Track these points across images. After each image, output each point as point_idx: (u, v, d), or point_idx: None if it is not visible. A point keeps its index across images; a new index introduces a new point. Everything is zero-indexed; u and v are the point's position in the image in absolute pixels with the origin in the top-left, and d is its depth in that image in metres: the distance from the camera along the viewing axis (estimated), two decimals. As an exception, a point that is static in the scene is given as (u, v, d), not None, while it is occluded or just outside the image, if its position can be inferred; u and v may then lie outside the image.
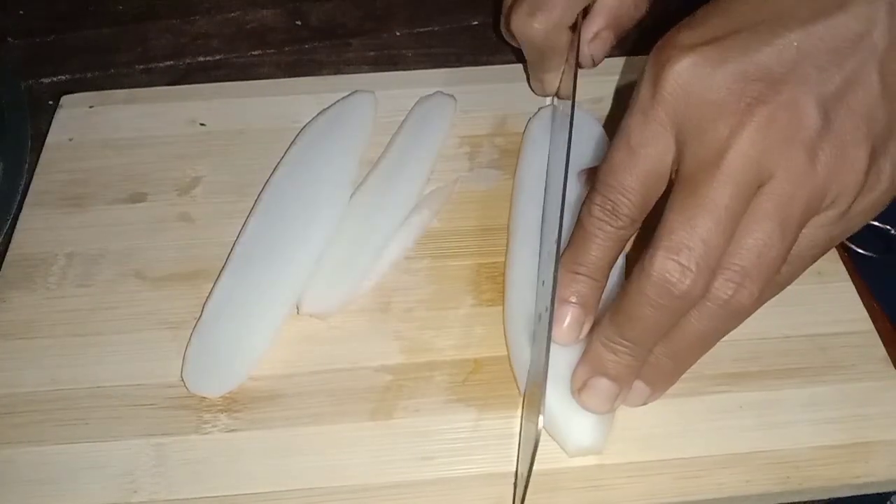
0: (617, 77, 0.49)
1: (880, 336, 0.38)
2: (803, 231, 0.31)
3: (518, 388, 0.36)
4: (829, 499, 0.35)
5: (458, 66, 0.52)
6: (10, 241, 0.42)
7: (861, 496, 0.35)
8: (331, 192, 0.42)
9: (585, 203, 0.33)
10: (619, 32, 0.44)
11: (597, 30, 0.43)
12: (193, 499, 0.33)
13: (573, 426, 0.34)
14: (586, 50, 0.44)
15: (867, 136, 0.30)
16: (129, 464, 0.34)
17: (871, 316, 0.39)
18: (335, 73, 0.52)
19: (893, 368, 0.37)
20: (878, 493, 0.35)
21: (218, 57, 0.54)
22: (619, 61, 0.51)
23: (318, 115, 0.47)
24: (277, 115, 0.47)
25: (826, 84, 0.29)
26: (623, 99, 0.48)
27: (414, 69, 0.52)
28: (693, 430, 0.35)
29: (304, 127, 0.46)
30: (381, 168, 0.44)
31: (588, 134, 0.45)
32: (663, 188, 0.32)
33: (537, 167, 0.43)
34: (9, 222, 0.43)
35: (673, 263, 0.29)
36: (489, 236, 0.42)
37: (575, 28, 0.43)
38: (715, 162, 0.29)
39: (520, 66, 0.50)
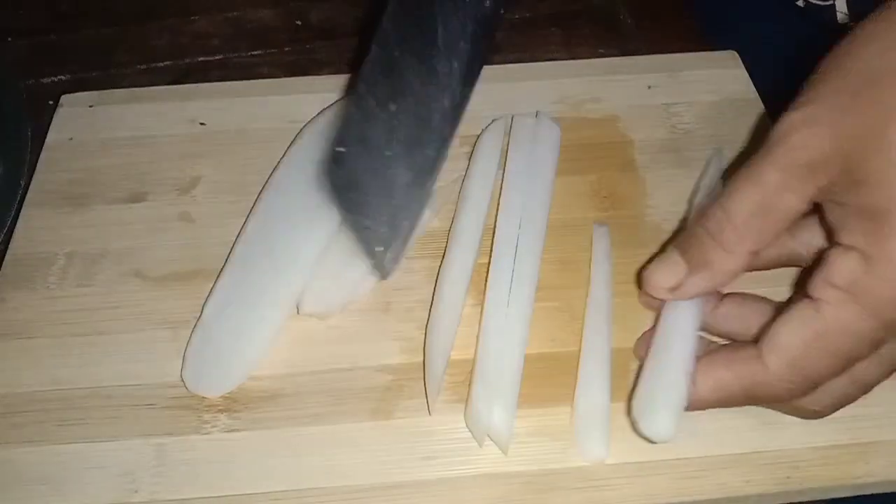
0: (617, 77, 0.49)
1: (880, 336, 0.38)
2: None
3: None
4: (829, 499, 0.35)
5: (458, 66, 0.52)
6: (10, 241, 0.42)
7: (861, 496, 0.35)
8: (331, 192, 0.42)
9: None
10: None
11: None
12: (193, 499, 0.33)
13: (658, 414, 0.31)
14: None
15: None
16: (129, 464, 0.34)
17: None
18: (335, 73, 0.52)
19: (893, 368, 0.37)
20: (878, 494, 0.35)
21: (218, 57, 0.54)
22: (619, 61, 0.51)
23: (318, 115, 0.47)
24: (277, 115, 0.47)
25: None
26: (623, 97, 0.48)
27: (414, 69, 0.52)
28: (693, 430, 0.35)
29: (304, 127, 0.46)
30: (381, 168, 0.44)
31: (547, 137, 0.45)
32: None
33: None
34: (9, 222, 0.43)
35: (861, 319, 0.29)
36: (489, 236, 0.42)
37: None
38: None
39: (520, 66, 0.50)
